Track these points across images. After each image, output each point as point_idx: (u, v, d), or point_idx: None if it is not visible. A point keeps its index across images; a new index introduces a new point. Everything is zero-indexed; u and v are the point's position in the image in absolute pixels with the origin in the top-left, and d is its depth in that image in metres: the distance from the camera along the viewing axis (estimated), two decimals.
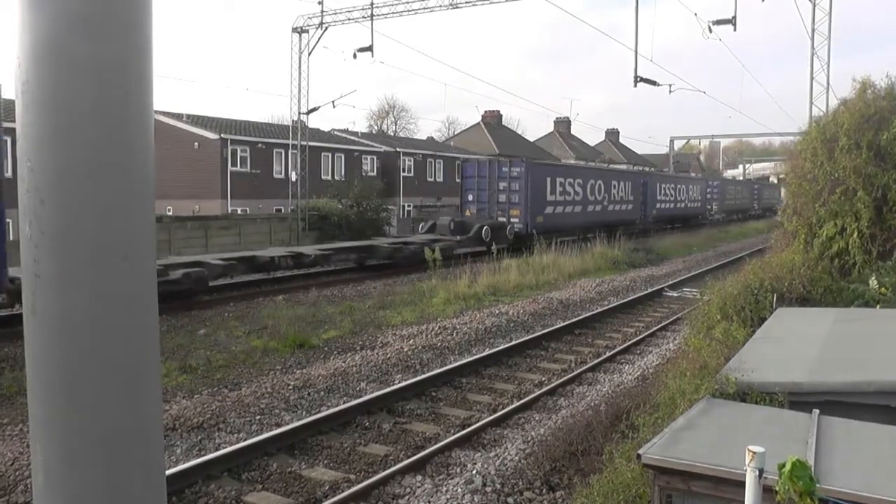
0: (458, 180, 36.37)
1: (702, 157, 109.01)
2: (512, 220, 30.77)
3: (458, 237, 28.25)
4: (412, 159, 50.10)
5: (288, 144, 37.96)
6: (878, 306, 11.20)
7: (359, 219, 35.29)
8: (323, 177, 41.92)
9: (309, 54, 40.11)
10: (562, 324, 15.76)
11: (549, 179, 32.81)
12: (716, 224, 52.42)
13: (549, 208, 32.51)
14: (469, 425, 9.32)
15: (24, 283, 1.39)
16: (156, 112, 1.65)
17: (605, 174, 40.57)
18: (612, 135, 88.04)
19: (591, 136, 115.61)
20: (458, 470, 7.89)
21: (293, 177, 35.17)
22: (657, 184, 45.22)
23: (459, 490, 7.19)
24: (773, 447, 3.87)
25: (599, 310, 17.68)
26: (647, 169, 56.40)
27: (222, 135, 37.91)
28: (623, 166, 70.92)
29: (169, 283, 16.19)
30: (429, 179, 51.80)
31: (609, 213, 38.01)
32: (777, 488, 3.62)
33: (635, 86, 31.21)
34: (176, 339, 13.32)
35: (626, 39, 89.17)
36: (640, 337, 14.93)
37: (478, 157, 40.57)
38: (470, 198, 32.22)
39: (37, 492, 1.43)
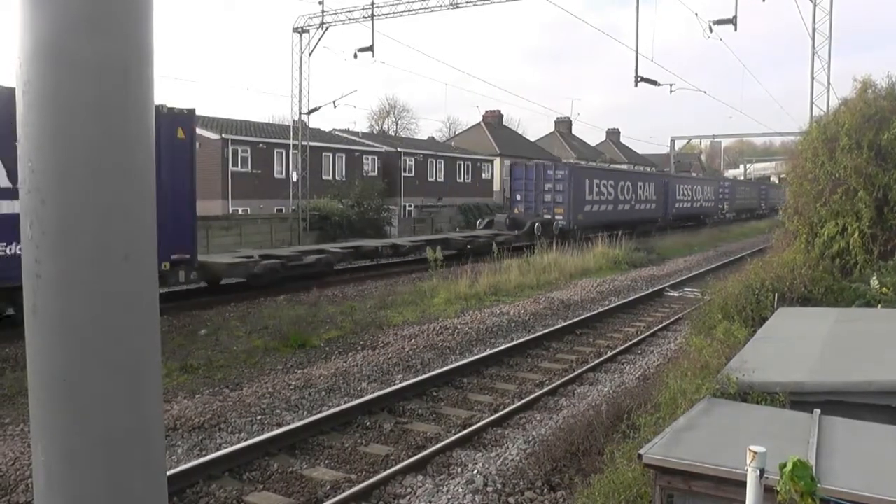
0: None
1: (703, 157, 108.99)
2: (556, 217, 34.41)
3: (516, 231, 32.53)
4: (413, 159, 50.08)
5: (289, 144, 37.93)
6: (879, 306, 11.20)
7: (360, 219, 35.32)
8: (324, 177, 41.89)
9: (310, 54, 40.11)
10: (563, 324, 15.75)
11: (587, 181, 36.49)
12: (729, 221, 55.92)
13: (587, 206, 36.21)
14: (470, 425, 9.32)
15: (25, 284, 1.39)
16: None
17: (632, 176, 44.78)
18: (613, 135, 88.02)
19: (592, 135, 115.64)
20: (460, 470, 7.88)
21: (294, 177, 35.16)
22: (676, 185, 48.87)
23: (460, 490, 7.19)
24: (774, 447, 3.87)
25: (601, 310, 17.66)
26: (667, 171, 60.11)
27: (223, 135, 37.88)
28: (624, 166, 71.16)
29: (304, 266, 20.89)
30: (430, 179, 51.79)
31: (636, 211, 41.85)
32: (778, 488, 3.62)
33: (636, 85, 31.22)
34: (177, 339, 13.33)
35: (627, 39, 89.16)
36: (642, 337, 14.92)
37: (525, 161, 42.98)
38: (518, 197, 35.77)
39: (38, 492, 1.43)
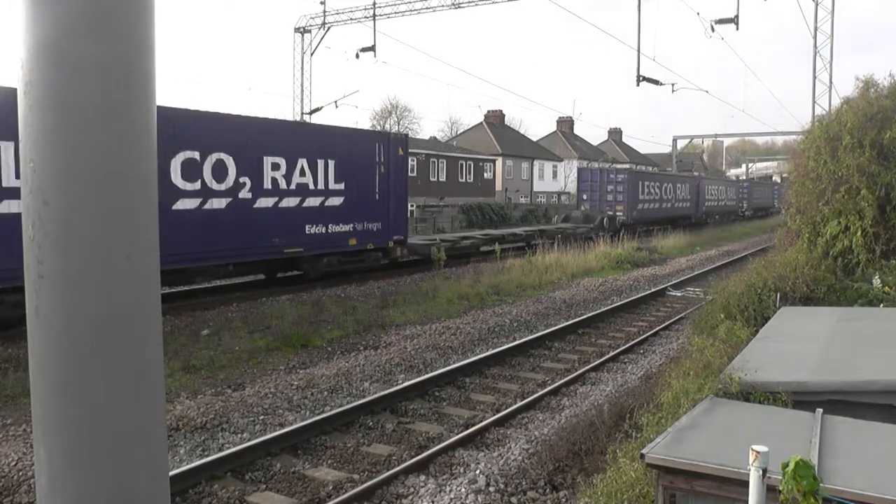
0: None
1: (705, 157, 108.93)
2: (617, 213, 41.22)
3: (591, 225, 38.81)
4: (415, 159, 50.09)
5: None
6: (881, 305, 11.19)
7: None
8: None
9: (311, 54, 40.17)
10: (565, 323, 15.73)
11: (640, 183, 43.22)
12: (749, 218, 63.36)
13: (640, 205, 42.82)
14: (472, 425, 9.31)
15: (27, 284, 1.39)
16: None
17: (673, 179, 51.20)
18: (615, 134, 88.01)
19: (593, 135, 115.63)
20: (462, 470, 7.88)
21: None
22: (706, 186, 56.28)
23: (463, 490, 7.19)
24: (776, 447, 3.86)
25: (603, 309, 17.64)
26: (697, 174, 68.74)
27: None
28: (622, 166, 71.50)
29: (462, 247, 27.70)
30: (431, 179, 51.83)
31: (675, 209, 48.62)
32: (781, 488, 3.62)
33: (638, 85, 31.29)
34: (179, 340, 13.33)
35: (629, 39, 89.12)
36: (644, 336, 14.91)
37: (590, 165, 52.39)
38: (584, 196, 42.72)
39: (40, 492, 1.43)
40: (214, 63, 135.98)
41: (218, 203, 16.63)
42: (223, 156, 16.67)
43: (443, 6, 36.25)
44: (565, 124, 79.06)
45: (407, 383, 10.77)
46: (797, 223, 15.30)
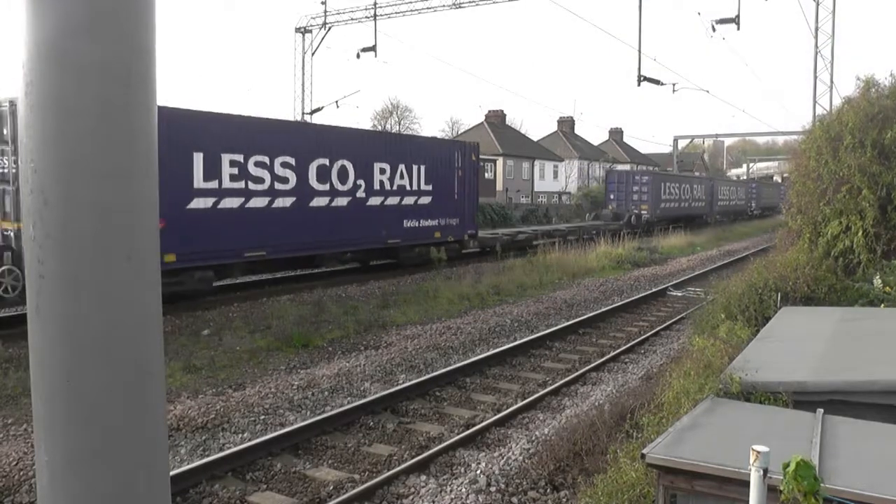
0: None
1: (705, 157, 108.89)
2: (642, 211, 44.73)
3: (620, 222, 42.59)
4: None
5: None
6: (882, 305, 11.18)
7: None
8: None
9: (312, 54, 40.18)
10: (566, 323, 15.74)
11: (662, 184, 47.11)
12: (757, 217, 66.59)
13: (662, 204, 46.51)
14: (473, 425, 9.32)
15: (28, 284, 1.39)
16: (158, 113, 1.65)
17: (690, 180, 56.29)
18: (616, 134, 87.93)
19: (594, 135, 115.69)
20: (463, 470, 7.88)
21: None
22: (719, 187, 60.35)
23: (464, 490, 7.19)
24: (777, 447, 3.86)
25: (603, 309, 17.64)
26: (712, 176, 70.39)
27: None
28: (622, 166, 71.65)
29: (519, 241, 31.02)
30: None
31: (692, 208, 52.28)
32: (781, 488, 3.62)
33: (639, 85, 31.29)
34: (180, 340, 13.33)
35: (630, 39, 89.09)
36: (644, 336, 14.91)
37: (617, 168, 56.52)
38: (612, 196, 45.97)
39: (41, 492, 1.43)
40: (215, 63, 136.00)
41: (341, 201, 20.44)
42: (345, 162, 20.48)
43: (444, 6, 36.26)
44: (566, 124, 79.00)
45: (408, 383, 10.77)
46: (798, 223, 15.28)
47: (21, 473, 7.41)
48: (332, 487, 7.39)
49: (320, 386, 10.84)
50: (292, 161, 18.75)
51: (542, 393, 10.70)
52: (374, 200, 21.74)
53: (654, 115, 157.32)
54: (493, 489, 7.24)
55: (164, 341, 1.56)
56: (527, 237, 32.41)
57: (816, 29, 32.29)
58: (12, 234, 13.58)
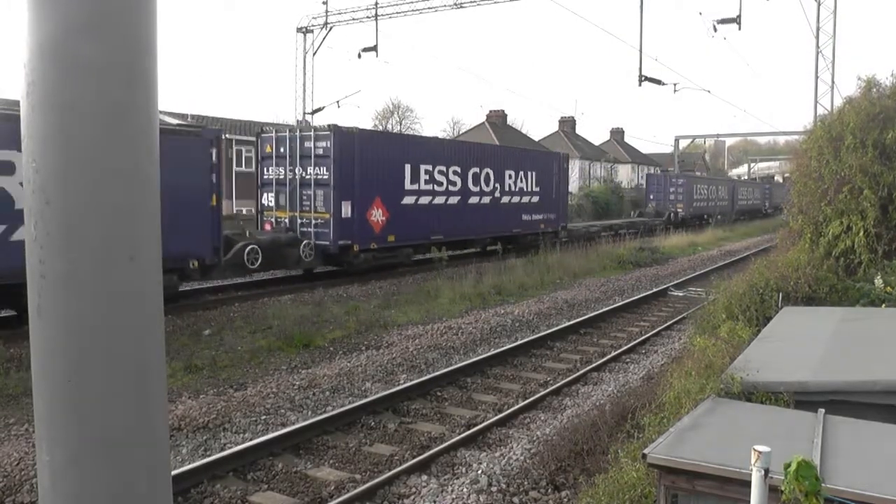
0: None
1: (707, 157, 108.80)
2: (678, 209, 51.12)
3: (661, 219, 48.10)
4: None
5: None
6: (883, 305, 11.17)
7: None
8: None
9: (314, 54, 40.18)
10: (567, 323, 15.74)
11: (694, 186, 54.33)
12: (771, 215, 70.29)
13: (694, 203, 53.24)
14: (474, 425, 9.32)
15: (30, 284, 1.39)
16: (160, 112, 1.66)
17: (717, 182, 64.91)
18: (617, 134, 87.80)
19: (595, 135, 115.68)
20: (464, 470, 7.89)
21: None
22: (738, 187, 68.28)
23: (465, 490, 7.19)
24: (778, 447, 3.86)
25: (604, 309, 17.64)
26: (733, 177, 79.21)
27: (227, 135, 37.93)
28: (624, 166, 71.92)
29: (590, 233, 36.32)
30: None
31: (718, 207, 57.87)
32: (783, 488, 3.61)
33: (640, 85, 31.29)
34: (181, 340, 13.33)
35: (631, 39, 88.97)
36: (646, 336, 14.91)
37: (657, 171, 63.88)
38: (651, 196, 52.94)
39: (42, 492, 1.43)
40: (216, 63, 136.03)
41: (486, 199, 27.27)
42: (489, 170, 27.31)
43: (445, 6, 36.26)
44: (567, 124, 78.94)
45: (409, 383, 10.78)
46: (799, 223, 15.28)
47: (22, 473, 7.42)
48: (333, 487, 7.40)
49: (321, 386, 10.84)
50: (458, 169, 25.63)
51: (543, 393, 10.70)
52: (506, 199, 28.47)
53: (656, 115, 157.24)
54: (494, 489, 7.24)
55: (166, 341, 1.56)
56: (596, 230, 39.10)
57: (818, 29, 32.29)
58: (286, 221, 21.64)
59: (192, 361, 11.86)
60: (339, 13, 39.04)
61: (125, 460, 1.42)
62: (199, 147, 16.17)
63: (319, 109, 41.22)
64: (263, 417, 9.45)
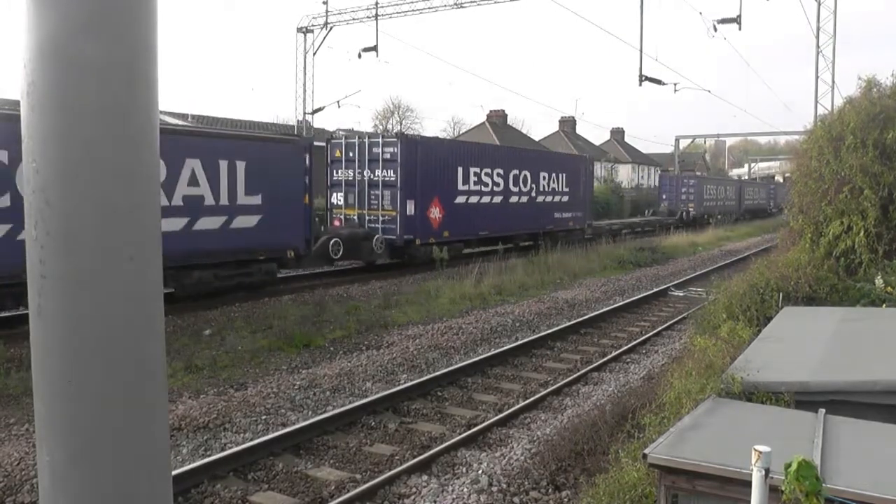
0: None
1: (707, 157, 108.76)
2: (690, 209, 53.77)
3: (674, 218, 51.27)
4: None
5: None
6: (884, 305, 11.16)
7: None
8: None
9: (314, 54, 40.16)
10: (567, 323, 15.73)
11: (704, 186, 57.10)
12: (775, 214, 71.75)
13: (705, 203, 55.89)
14: (475, 425, 9.32)
15: (30, 284, 1.39)
16: (160, 112, 1.66)
17: (725, 183, 68.31)
18: (618, 134, 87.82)
19: (596, 135, 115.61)
20: (464, 470, 7.88)
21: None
22: (745, 188, 71.29)
23: (465, 490, 7.19)
24: (779, 447, 3.86)
25: (605, 309, 17.64)
26: (741, 178, 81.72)
27: None
28: (624, 166, 71.90)
29: (632, 229, 43.91)
30: None
31: (726, 206, 60.87)
32: (783, 488, 3.61)
33: (640, 85, 31.27)
34: (182, 340, 13.33)
35: (632, 39, 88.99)
36: (646, 336, 14.91)
37: (669, 172, 65.29)
38: (664, 196, 55.87)
39: (43, 492, 1.43)
40: (216, 63, 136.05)
41: (524, 199, 29.96)
42: (526, 172, 29.98)
43: (445, 6, 36.25)
44: (567, 124, 78.98)
45: (409, 383, 10.78)
46: (800, 223, 15.27)
47: (23, 473, 7.42)
48: (333, 487, 7.40)
49: (322, 386, 10.84)
50: (501, 171, 28.30)
51: (543, 393, 10.70)
52: (540, 199, 31.20)
53: (656, 115, 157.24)
54: (494, 489, 7.24)
55: (166, 341, 1.56)
56: (617, 227, 42.83)
57: (818, 29, 32.28)
58: (355, 218, 24.37)
59: (193, 361, 11.86)
60: (340, 13, 39.04)
61: (125, 460, 1.42)
62: (294, 154, 18.87)
63: (320, 109, 41.23)
64: (264, 417, 9.45)
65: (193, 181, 16.15)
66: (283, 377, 11.29)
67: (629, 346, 14.04)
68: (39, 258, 1.36)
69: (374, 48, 36.99)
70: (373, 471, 7.90)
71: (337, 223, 24.62)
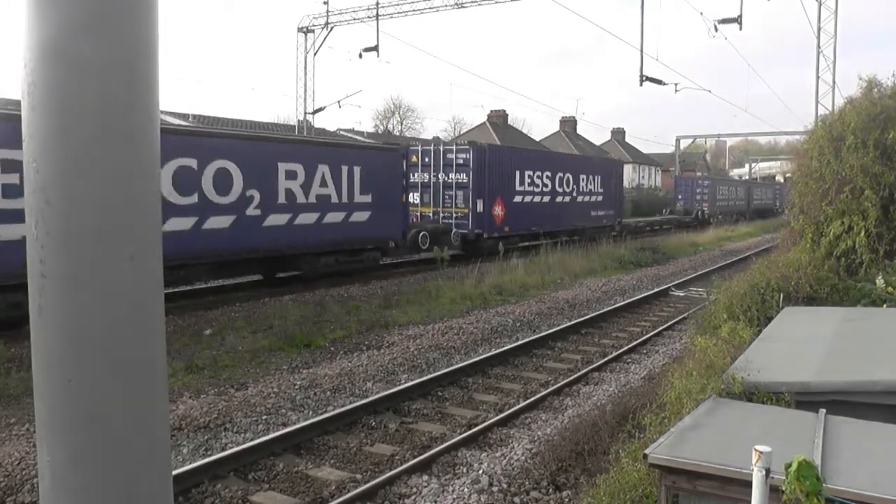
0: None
1: (708, 157, 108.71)
2: (704, 208, 56.33)
3: (690, 216, 53.88)
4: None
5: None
6: (884, 305, 11.16)
7: None
8: None
9: (315, 54, 40.18)
10: (568, 323, 15.73)
11: (717, 187, 61.05)
12: (780, 213, 75.04)
13: (718, 202, 59.16)
14: (475, 425, 9.31)
15: (30, 284, 1.39)
16: (161, 112, 1.66)
17: (735, 183, 72.64)
18: (618, 134, 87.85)
19: (596, 135, 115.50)
20: (465, 470, 7.88)
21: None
22: (753, 188, 74.56)
23: (466, 490, 7.19)
24: (779, 447, 3.86)
25: (606, 309, 17.63)
26: (750, 179, 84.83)
27: None
28: (629, 166, 72.08)
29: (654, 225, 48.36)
30: None
31: (737, 205, 64.55)
32: (784, 488, 3.61)
33: (641, 85, 31.24)
34: (182, 339, 13.33)
35: (632, 38, 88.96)
36: (647, 336, 14.90)
37: (685, 175, 67.73)
38: (680, 196, 58.27)
39: (43, 492, 1.43)
40: (217, 63, 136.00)
41: (567, 199, 33.65)
42: (569, 174, 33.63)
43: (446, 6, 36.24)
44: (568, 124, 79.03)
45: (410, 383, 10.77)
46: (800, 223, 15.27)
47: (23, 473, 7.42)
48: (334, 487, 7.39)
49: (322, 386, 10.84)
50: (549, 174, 31.96)
51: (544, 393, 10.70)
52: (580, 199, 34.93)
53: (656, 115, 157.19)
54: (495, 489, 7.24)
55: (167, 341, 1.55)
56: (642, 225, 46.08)
57: (819, 29, 32.27)
58: (430, 215, 28.01)
59: (194, 361, 11.86)
60: (340, 13, 39.03)
61: (126, 460, 1.42)
62: (396, 160, 22.87)
63: (320, 109, 41.23)
64: (264, 417, 9.45)
65: (323, 183, 19.85)
66: (284, 377, 11.29)
67: (630, 346, 14.03)
68: (40, 258, 1.36)
69: (375, 48, 36.98)
70: (373, 471, 7.90)
71: (413, 220, 27.11)
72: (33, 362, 1.43)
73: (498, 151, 30.17)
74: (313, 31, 40.35)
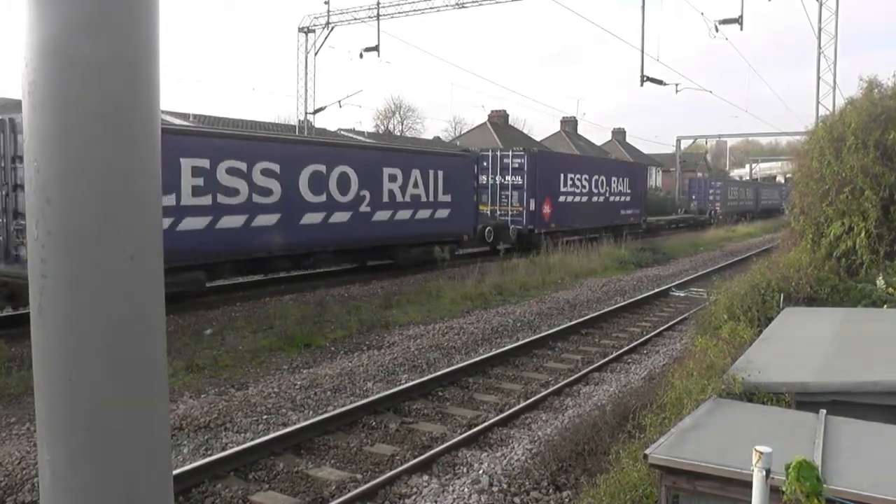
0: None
1: (708, 157, 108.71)
2: (717, 208, 60.04)
3: (705, 216, 56.76)
4: None
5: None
6: (885, 306, 11.16)
7: None
8: None
9: (315, 54, 40.18)
10: (568, 323, 15.73)
11: (728, 188, 65.12)
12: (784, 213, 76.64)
13: (729, 203, 62.99)
14: (476, 425, 9.31)
15: (31, 283, 1.39)
16: (162, 112, 1.66)
17: (745, 184, 77.35)
18: (619, 134, 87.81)
19: (597, 135, 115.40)
20: (465, 470, 7.88)
21: None
22: (761, 189, 78.51)
23: (466, 490, 7.19)
24: (779, 447, 3.86)
25: (606, 309, 17.63)
26: (758, 180, 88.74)
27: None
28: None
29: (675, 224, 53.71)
30: None
31: (746, 206, 67.87)
32: (784, 489, 3.61)
33: (641, 85, 31.27)
34: (182, 339, 13.33)
35: (633, 39, 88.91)
36: (647, 337, 14.89)
37: (697, 175, 73.87)
38: (693, 197, 62.26)
39: (44, 491, 1.43)
40: (217, 63, 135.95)
41: (600, 199, 36.83)
42: (603, 177, 36.96)
43: (447, 6, 36.25)
44: (569, 124, 78.98)
45: (410, 383, 10.77)
46: (801, 224, 15.26)
47: (24, 472, 7.42)
48: (334, 487, 7.39)
49: (323, 386, 10.84)
50: (587, 176, 35.11)
51: (544, 393, 10.69)
52: (612, 199, 38.24)
53: (657, 115, 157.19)
54: (495, 489, 7.24)
55: (167, 340, 1.55)
56: (664, 223, 50.17)
57: (819, 29, 32.27)
58: (488, 213, 30.59)
59: (194, 361, 11.86)
60: (341, 13, 39.04)
61: (126, 460, 1.42)
62: (470, 164, 26.66)
63: (321, 109, 41.25)
64: (265, 417, 9.45)
65: (415, 184, 23.35)
66: (284, 377, 11.29)
67: (630, 346, 14.03)
68: (40, 257, 1.36)
69: (376, 48, 36.99)
70: (373, 471, 7.90)
71: None
72: (34, 362, 1.43)
73: (546, 156, 34.75)
74: (314, 31, 40.37)
